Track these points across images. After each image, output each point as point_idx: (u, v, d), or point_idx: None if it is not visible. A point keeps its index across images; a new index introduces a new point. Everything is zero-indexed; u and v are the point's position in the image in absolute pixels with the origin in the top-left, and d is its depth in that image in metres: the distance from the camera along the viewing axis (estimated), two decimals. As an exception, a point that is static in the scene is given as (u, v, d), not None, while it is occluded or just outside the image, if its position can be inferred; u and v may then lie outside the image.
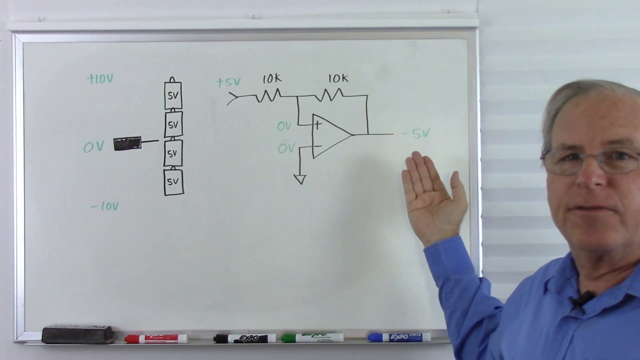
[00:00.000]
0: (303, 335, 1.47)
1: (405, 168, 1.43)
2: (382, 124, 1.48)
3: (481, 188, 1.48)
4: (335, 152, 1.48)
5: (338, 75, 1.49)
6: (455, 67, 1.48)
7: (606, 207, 0.85)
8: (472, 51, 1.47)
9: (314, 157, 1.48)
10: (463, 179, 1.46)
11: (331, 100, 1.49)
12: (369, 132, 1.48)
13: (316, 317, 1.48)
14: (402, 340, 1.46)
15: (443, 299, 1.28)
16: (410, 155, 1.44)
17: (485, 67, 1.49)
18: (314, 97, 1.49)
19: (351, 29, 1.48)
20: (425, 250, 1.33)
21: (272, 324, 1.48)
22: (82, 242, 1.48)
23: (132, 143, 1.49)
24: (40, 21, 1.50)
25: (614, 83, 0.92)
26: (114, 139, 1.49)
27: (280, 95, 1.49)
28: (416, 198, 1.38)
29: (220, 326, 1.48)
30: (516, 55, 1.50)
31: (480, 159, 1.48)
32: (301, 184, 1.48)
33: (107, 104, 1.49)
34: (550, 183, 0.93)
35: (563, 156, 0.90)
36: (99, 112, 1.49)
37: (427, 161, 1.41)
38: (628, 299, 0.85)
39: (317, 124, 1.48)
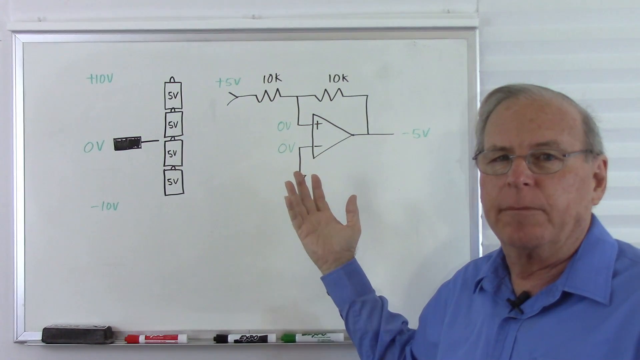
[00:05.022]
0: (303, 335, 1.47)
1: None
2: (382, 124, 1.48)
3: (481, 188, 1.48)
4: (335, 152, 1.48)
5: (338, 75, 1.49)
6: (455, 67, 1.48)
7: (534, 207, 0.89)
8: (472, 51, 1.47)
9: (314, 157, 1.48)
10: (463, 178, 1.46)
11: (331, 100, 1.49)
12: (369, 132, 1.48)
13: (316, 317, 1.48)
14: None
15: (351, 322, 1.25)
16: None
17: (485, 67, 1.49)
18: (314, 97, 1.49)
19: (351, 29, 1.48)
20: (325, 277, 1.27)
21: (272, 324, 1.48)
22: (82, 242, 1.48)
23: (132, 143, 1.49)
24: (40, 21, 1.50)
25: (542, 88, 0.96)
26: (114, 139, 1.49)
27: (280, 95, 1.49)
28: (303, 222, 1.29)
29: (220, 326, 1.48)
30: (516, 55, 1.50)
31: (480, 159, 1.48)
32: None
33: (107, 104, 1.49)
34: (483, 183, 0.97)
35: (494, 157, 0.94)
36: (99, 112, 1.49)
37: (314, 180, 1.32)
38: (565, 296, 0.88)
39: (317, 124, 1.48)
